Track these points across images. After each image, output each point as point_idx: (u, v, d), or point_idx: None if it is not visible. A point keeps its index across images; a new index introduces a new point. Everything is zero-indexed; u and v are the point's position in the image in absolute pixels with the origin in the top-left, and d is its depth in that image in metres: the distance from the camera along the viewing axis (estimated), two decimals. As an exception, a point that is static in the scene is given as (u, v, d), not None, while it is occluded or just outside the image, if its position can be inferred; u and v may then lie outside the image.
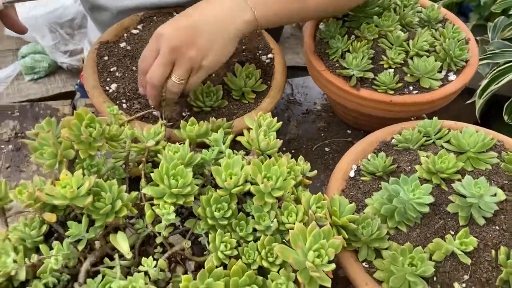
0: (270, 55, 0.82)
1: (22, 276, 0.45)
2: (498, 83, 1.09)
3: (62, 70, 1.59)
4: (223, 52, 0.65)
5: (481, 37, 1.51)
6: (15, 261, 0.45)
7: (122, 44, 0.81)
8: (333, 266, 0.44)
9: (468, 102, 1.18)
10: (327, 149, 0.85)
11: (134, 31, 0.84)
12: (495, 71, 1.12)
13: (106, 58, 0.78)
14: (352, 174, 0.64)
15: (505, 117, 1.11)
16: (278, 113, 0.92)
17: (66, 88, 1.56)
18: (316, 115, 0.92)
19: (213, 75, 0.75)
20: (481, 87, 1.11)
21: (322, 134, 0.88)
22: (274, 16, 0.68)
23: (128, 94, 0.73)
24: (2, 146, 0.82)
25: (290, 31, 1.86)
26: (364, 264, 0.55)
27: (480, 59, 1.20)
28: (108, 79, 0.75)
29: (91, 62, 0.77)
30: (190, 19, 0.64)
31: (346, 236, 0.53)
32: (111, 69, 0.77)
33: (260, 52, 0.82)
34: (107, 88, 0.74)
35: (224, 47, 0.64)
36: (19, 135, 0.84)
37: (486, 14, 1.76)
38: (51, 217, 0.48)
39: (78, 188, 0.45)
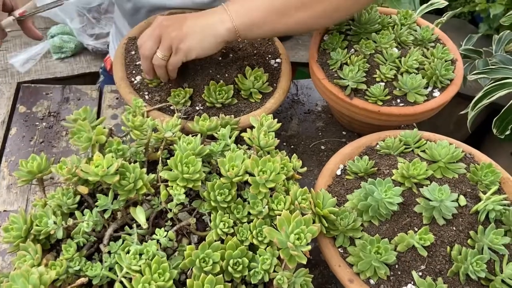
0: (278, 60, 0.91)
1: (60, 234, 0.56)
2: (490, 97, 1.17)
3: (87, 51, 1.68)
4: (201, 44, 0.75)
5: (486, 49, 1.57)
6: (55, 223, 0.56)
7: (148, 41, 0.91)
8: (309, 247, 0.54)
9: (461, 113, 1.27)
10: (323, 147, 0.94)
11: (159, 29, 0.94)
12: (489, 86, 1.19)
13: (133, 52, 0.88)
14: (338, 172, 0.74)
15: (494, 130, 1.19)
16: (282, 111, 1.01)
17: (90, 69, 1.66)
18: (316, 116, 1.01)
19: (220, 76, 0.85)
20: (474, 100, 1.19)
21: (320, 133, 0.97)
22: (255, 26, 0.76)
23: (150, 86, 0.84)
24: (37, 123, 0.93)
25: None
26: (339, 249, 0.65)
27: (478, 73, 1.28)
28: (133, 72, 0.86)
29: (120, 56, 0.87)
30: (183, 14, 0.78)
31: (326, 225, 0.64)
32: (137, 63, 0.87)
33: (269, 56, 0.92)
34: (133, 79, 0.84)
35: (202, 40, 0.74)
36: (52, 114, 0.94)
37: (496, 26, 1.82)
38: (83, 190, 0.59)
39: (108, 168, 0.56)
